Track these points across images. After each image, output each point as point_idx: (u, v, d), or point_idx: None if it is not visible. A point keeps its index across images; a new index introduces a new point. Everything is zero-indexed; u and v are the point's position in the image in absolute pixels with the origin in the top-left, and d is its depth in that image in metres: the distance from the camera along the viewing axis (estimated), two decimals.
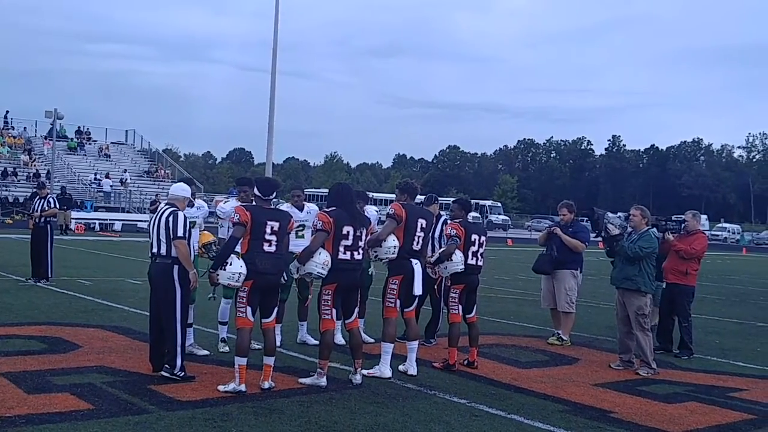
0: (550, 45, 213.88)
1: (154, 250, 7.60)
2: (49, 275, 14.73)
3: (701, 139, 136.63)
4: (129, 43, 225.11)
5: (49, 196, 15.41)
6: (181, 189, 8.03)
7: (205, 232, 8.77)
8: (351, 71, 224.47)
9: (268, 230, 7.20)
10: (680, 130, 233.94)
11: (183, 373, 7.46)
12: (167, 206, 7.73)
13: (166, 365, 7.51)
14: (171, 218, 7.52)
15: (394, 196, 8.98)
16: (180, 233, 7.47)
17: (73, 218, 35.94)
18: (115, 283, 15.29)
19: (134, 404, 6.58)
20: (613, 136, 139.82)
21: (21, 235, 26.11)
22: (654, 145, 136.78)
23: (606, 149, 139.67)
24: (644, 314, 9.19)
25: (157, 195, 35.29)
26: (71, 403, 6.49)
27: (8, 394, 6.65)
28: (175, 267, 7.52)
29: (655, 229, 9.65)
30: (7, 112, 54.85)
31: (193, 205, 8.64)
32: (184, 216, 7.66)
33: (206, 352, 8.74)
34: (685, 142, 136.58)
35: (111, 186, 47.36)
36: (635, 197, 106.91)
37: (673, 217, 11.04)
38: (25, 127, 54.67)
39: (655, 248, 9.30)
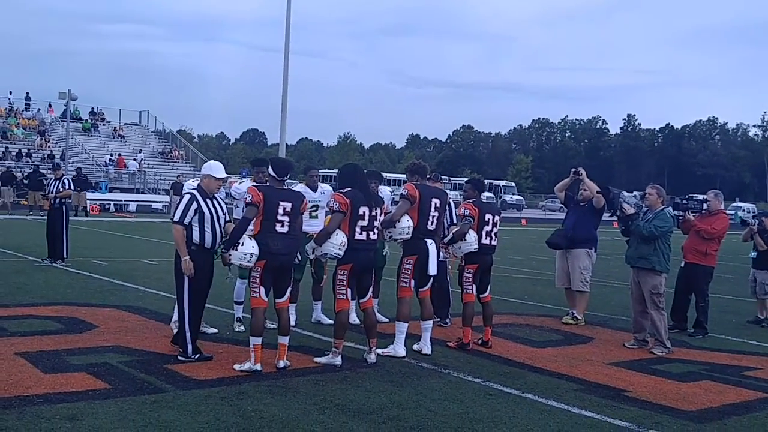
0: (565, 23, 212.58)
1: None
2: (65, 256, 14.84)
3: (716, 118, 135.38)
4: (141, 23, 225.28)
5: (64, 177, 15.48)
6: (207, 167, 7.71)
7: None
8: (364, 50, 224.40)
9: (281, 211, 7.20)
10: (695, 109, 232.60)
11: (198, 355, 7.48)
12: (194, 186, 7.74)
13: (180, 350, 7.54)
14: (178, 199, 7.51)
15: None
16: (176, 217, 7.33)
17: (87, 199, 36.10)
18: (131, 264, 15.37)
19: (150, 383, 6.62)
20: (629, 115, 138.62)
21: (26, 216, 26.26)
22: (669, 124, 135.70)
23: (621, 128, 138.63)
24: (659, 293, 9.17)
25: (178, 176, 35.51)
26: (88, 382, 6.55)
27: (26, 373, 6.71)
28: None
29: (670, 208, 9.60)
30: (27, 93, 55.31)
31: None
32: (191, 199, 7.37)
33: (215, 331, 8.78)
34: (700, 121, 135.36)
35: (137, 167, 47.56)
36: (650, 176, 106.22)
37: (695, 197, 11.01)
38: (38, 109, 54.92)
39: (670, 227, 9.25)
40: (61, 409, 5.74)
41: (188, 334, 7.47)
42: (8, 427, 5.29)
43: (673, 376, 8.03)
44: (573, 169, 10.77)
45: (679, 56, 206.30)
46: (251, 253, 7.07)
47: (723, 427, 6.32)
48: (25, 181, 35.17)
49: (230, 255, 7.13)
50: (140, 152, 50.78)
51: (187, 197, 7.41)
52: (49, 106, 54.38)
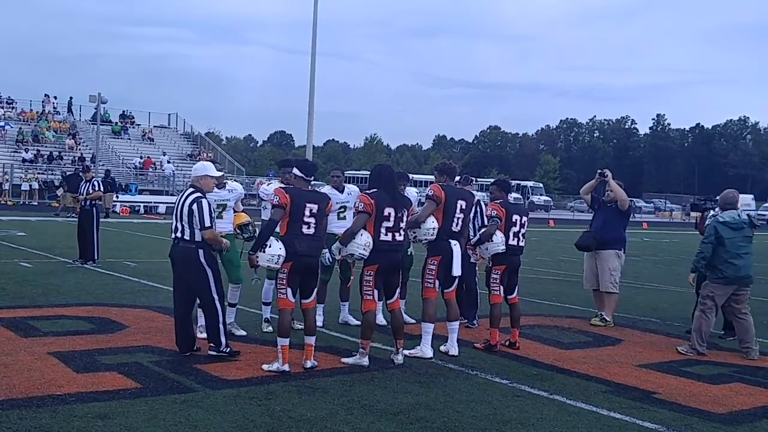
0: (592, 22, 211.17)
1: (178, 234, 7.51)
2: (96, 257, 15.00)
3: (747, 117, 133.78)
4: (168, 26, 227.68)
5: (94, 179, 15.65)
6: (201, 168, 7.77)
7: (241, 213, 8.76)
8: (391, 52, 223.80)
9: (307, 212, 7.24)
10: (726, 108, 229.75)
11: (229, 349, 7.56)
12: (191, 189, 7.59)
13: (211, 344, 7.60)
14: (195, 207, 7.37)
15: (433, 177, 8.95)
16: (207, 224, 7.37)
17: (117, 201, 36.44)
18: (160, 265, 15.46)
19: (180, 383, 6.69)
20: (658, 115, 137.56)
21: (51, 217, 26.51)
22: (699, 123, 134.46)
23: (650, 128, 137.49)
24: (705, 295, 9.09)
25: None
26: (119, 381, 6.63)
27: (58, 373, 6.80)
28: (201, 251, 7.47)
29: (715, 216, 9.44)
30: (71, 98, 56.22)
31: (225, 186, 8.65)
32: (208, 202, 7.51)
33: (243, 333, 8.82)
34: (731, 120, 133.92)
35: (173, 170, 47.90)
36: (680, 177, 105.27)
37: (712, 197, 10.90)
38: (69, 112, 55.59)
39: (711, 235, 9.07)
40: (93, 408, 5.82)
41: (221, 327, 7.57)
42: (42, 425, 5.37)
43: (704, 378, 7.96)
44: (598, 171, 10.74)
45: (709, 54, 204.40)
46: (278, 255, 7.12)
47: (754, 430, 6.27)
48: (59, 183, 35.59)
49: (257, 257, 7.18)
50: (164, 155, 50.97)
51: (206, 203, 7.44)
52: (51, 96, 55.46)
